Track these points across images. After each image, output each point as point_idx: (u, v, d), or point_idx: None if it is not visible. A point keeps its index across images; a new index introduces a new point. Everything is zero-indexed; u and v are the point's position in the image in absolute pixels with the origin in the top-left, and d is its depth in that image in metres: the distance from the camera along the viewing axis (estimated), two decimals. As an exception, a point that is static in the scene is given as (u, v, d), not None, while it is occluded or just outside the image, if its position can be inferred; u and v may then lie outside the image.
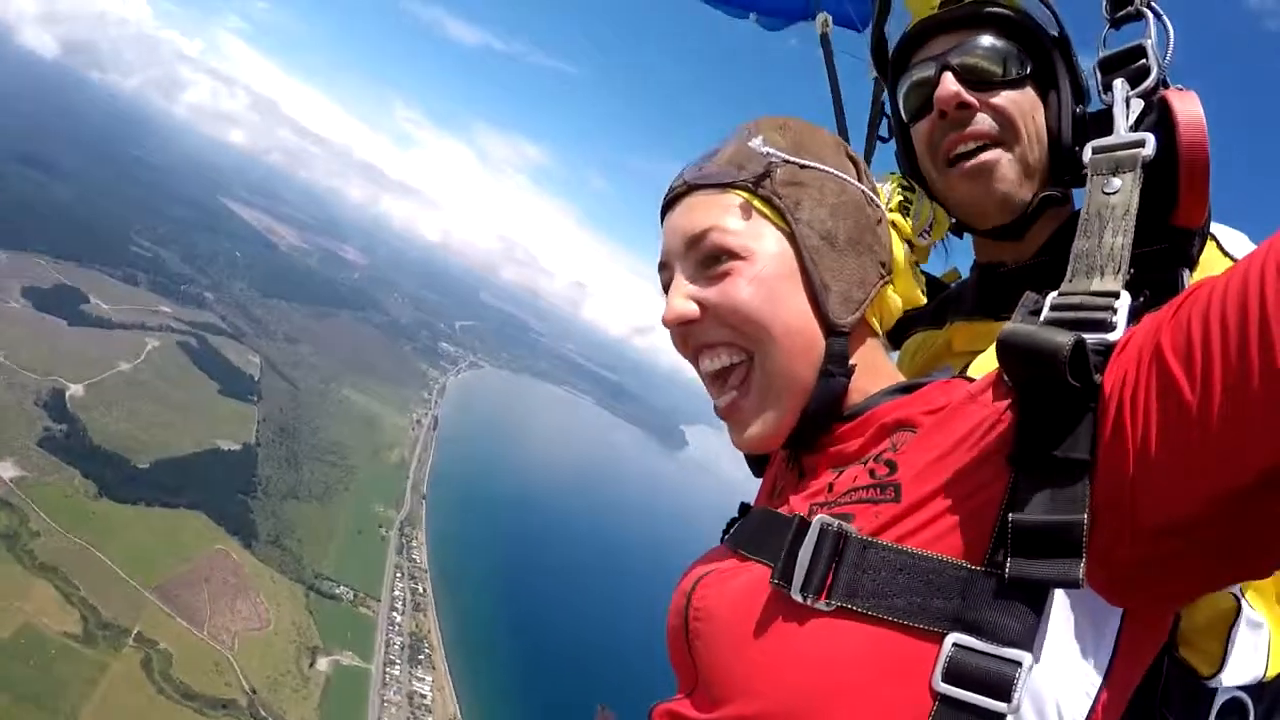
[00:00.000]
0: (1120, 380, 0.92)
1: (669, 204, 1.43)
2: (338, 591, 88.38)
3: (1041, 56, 1.69)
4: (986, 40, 1.69)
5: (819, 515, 1.08)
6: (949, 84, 1.65)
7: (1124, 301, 1.03)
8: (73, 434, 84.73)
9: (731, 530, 1.48)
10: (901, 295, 1.44)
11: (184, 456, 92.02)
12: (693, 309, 1.32)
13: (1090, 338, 0.97)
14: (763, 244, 1.31)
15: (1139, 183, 1.21)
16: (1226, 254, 1.49)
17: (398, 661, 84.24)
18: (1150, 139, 1.26)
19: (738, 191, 1.34)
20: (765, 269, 1.29)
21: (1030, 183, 1.66)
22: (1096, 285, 1.09)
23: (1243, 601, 1.34)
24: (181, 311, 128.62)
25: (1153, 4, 1.55)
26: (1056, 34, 1.73)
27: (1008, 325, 1.01)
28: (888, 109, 2.03)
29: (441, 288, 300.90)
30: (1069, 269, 1.15)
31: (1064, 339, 0.93)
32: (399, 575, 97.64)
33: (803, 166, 1.37)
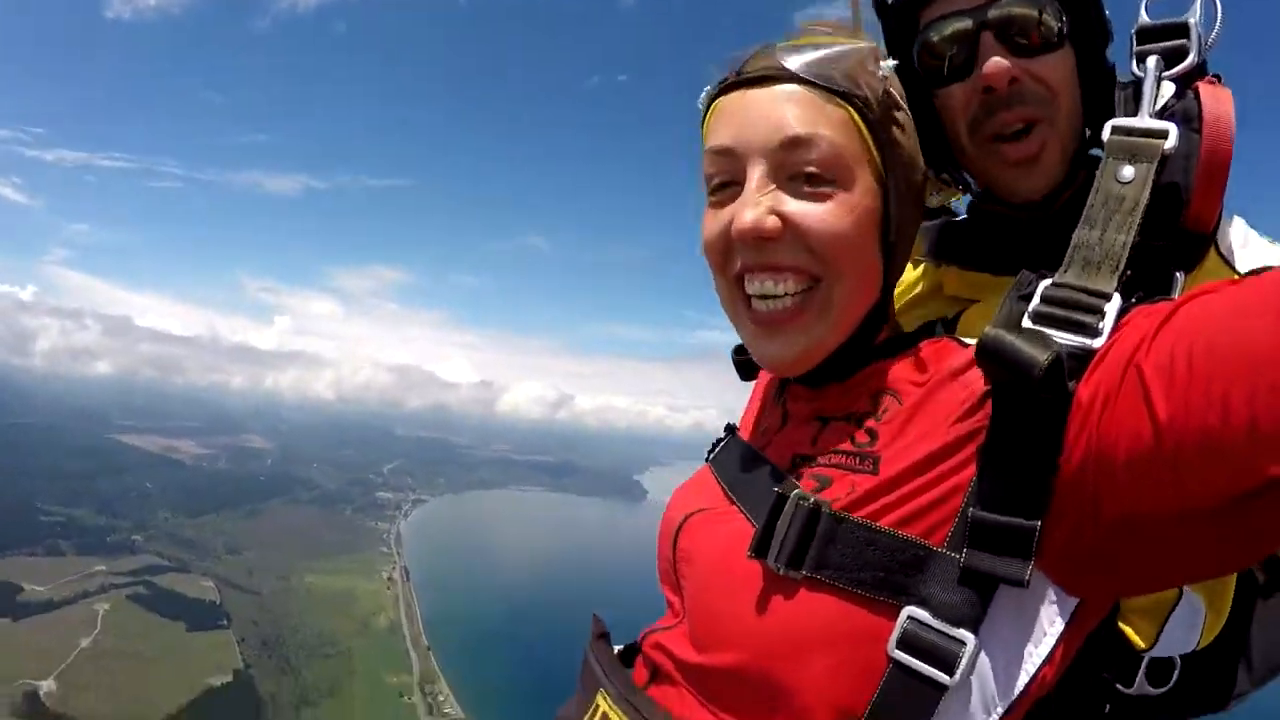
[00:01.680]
0: (1096, 392, 0.93)
1: (749, 81, 1.25)
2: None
3: (1076, 9, 1.47)
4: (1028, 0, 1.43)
5: (795, 489, 1.11)
6: (999, 58, 1.41)
7: (1114, 305, 1.02)
8: (64, 734, 78.04)
9: (716, 453, 1.51)
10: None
11: (181, 710, 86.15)
12: (775, 224, 1.19)
13: (1072, 341, 0.99)
14: (861, 173, 1.22)
15: (1152, 175, 1.16)
16: (1227, 262, 1.41)
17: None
18: (1174, 131, 1.20)
19: (849, 108, 1.22)
20: (863, 203, 1.21)
21: (1069, 155, 1.50)
22: (1090, 282, 1.06)
23: (1185, 591, 1.38)
24: (117, 564, 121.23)
25: None
26: None
27: (990, 329, 1.01)
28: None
29: (355, 441, 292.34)
30: (1067, 256, 1.12)
31: (1041, 356, 0.94)
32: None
33: (899, 105, 1.30)
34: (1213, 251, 1.40)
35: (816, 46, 1.23)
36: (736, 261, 1.25)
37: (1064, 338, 1.00)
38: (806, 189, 1.19)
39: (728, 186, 1.25)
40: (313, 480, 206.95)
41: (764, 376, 1.62)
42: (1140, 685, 1.43)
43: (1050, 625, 1.03)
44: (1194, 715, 1.58)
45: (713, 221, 1.27)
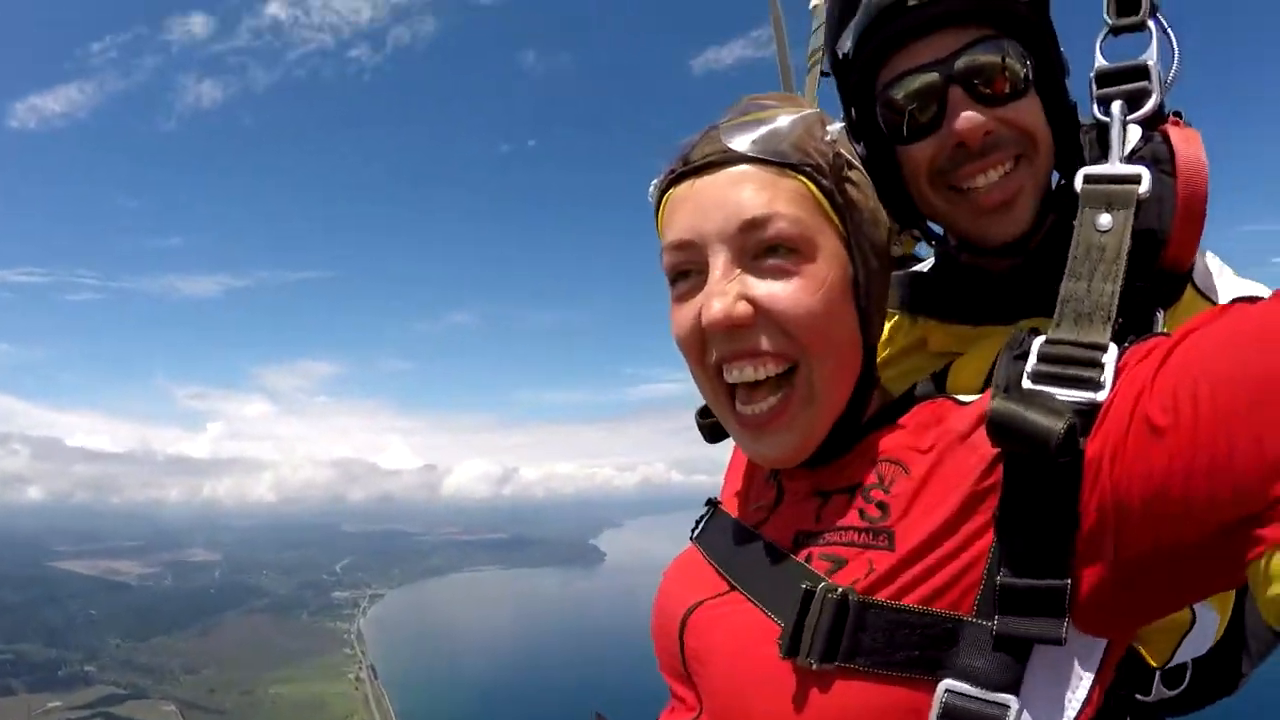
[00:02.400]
0: (1105, 445, 0.95)
1: (698, 169, 1.23)
2: None
3: (1039, 51, 1.39)
4: (994, 44, 1.35)
5: (822, 581, 1.09)
6: (971, 112, 1.33)
7: (1111, 355, 1.02)
8: None
9: (703, 531, 1.50)
10: None
11: None
12: (746, 310, 1.17)
13: (1077, 397, 0.99)
14: (824, 241, 1.20)
15: (1131, 221, 1.16)
16: (1205, 295, 1.39)
17: None
18: (1146, 176, 1.19)
19: (802, 179, 1.20)
20: (831, 274, 1.20)
21: (1040, 202, 1.42)
22: (1084, 335, 1.06)
23: (1197, 613, 1.41)
24: (72, 698, 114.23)
25: (1159, 17, 1.40)
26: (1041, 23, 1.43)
27: (997, 402, 1.01)
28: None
29: (303, 542, 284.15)
30: (1057, 311, 1.12)
31: (1057, 426, 0.94)
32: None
33: (851, 164, 1.27)
34: (1192, 290, 1.40)
35: (760, 122, 1.22)
36: (712, 352, 1.24)
37: (1068, 395, 1.00)
38: (772, 266, 1.18)
39: (690, 275, 1.24)
40: (263, 588, 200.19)
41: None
42: (1158, 692, 1.49)
43: (1085, 671, 1.04)
44: (1207, 704, 1.64)
45: (681, 314, 1.26)
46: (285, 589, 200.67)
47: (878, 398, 1.34)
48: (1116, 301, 1.09)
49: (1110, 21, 1.44)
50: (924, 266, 1.79)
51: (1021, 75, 1.38)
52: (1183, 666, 1.51)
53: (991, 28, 1.38)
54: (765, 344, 1.19)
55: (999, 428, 0.99)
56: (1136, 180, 1.19)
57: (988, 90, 1.37)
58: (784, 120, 1.22)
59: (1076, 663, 1.04)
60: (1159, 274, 1.34)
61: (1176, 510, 0.87)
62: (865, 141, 1.50)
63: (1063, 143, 1.45)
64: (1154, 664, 1.42)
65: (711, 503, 1.54)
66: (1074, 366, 1.03)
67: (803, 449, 1.26)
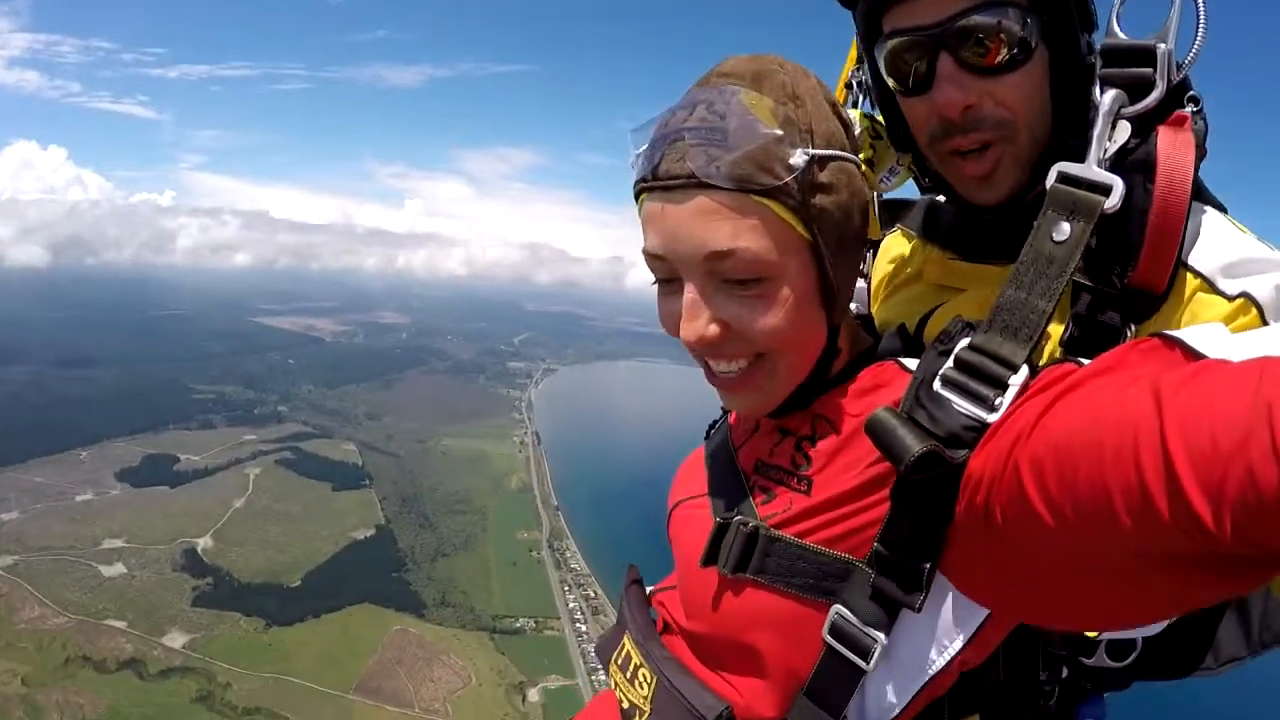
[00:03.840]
0: (984, 468, 1.01)
1: (666, 188, 1.25)
2: (518, 625, 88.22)
3: (1055, 15, 1.38)
4: (994, 8, 1.34)
5: (737, 516, 1.33)
6: (951, 87, 1.38)
7: (1019, 378, 1.06)
8: (219, 583, 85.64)
9: (711, 436, 1.71)
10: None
11: (328, 560, 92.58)
12: (716, 331, 1.28)
13: (970, 412, 1.06)
14: (789, 262, 1.25)
15: (1087, 236, 1.13)
16: (1210, 284, 1.30)
17: (599, 667, 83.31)
18: (1118, 187, 1.14)
19: (766, 202, 1.21)
20: (793, 290, 1.26)
21: (1032, 162, 1.43)
22: (1002, 349, 1.09)
23: None
24: (265, 433, 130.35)
25: None
26: None
27: (877, 411, 1.10)
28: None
29: (486, 314, 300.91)
30: (989, 315, 1.13)
31: (913, 449, 1.03)
32: (566, 589, 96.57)
33: (823, 162, 1.26)
34: (1189, 278, 1.31)
35: (727, 135, 1.20)
36: (697, 350, 1.35)
37: (964, 407, 1.07)
38: (739, 293, 1.25)
39: (669, 281, 1.33)
40: (446, 351, 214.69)
41: None
42: (1099, 658, 1.46)
43: (958, 630, 1.17)
44: (1155, 680, 1.60)
45: (664, 306, 1.36)
46: (466, 355, 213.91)
47: (844, 360, 1.42)
48: (1047, 320, 1.09)
49: None
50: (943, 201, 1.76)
51: (1018, 45, 1.35)
52: (1130, 641, 1.48)
53: None
54: (735, 350, 1.31)
55: (871, 434, 1.10)
56: (1106, 191, 1.14)
57: (979, 60, 1.36)
58: (744, 135, 1.19)
59: (950, 620, 1.16)
60: (1130, 290, 1.28)
61: (1040, 546, 0.95)
62: (876, 83, 1.56)
63: (1066, 118, 1.40)
64: (1088, 633, 1.40)
65: (725, 409, 1.66)
66: (979, 381, 1.07)
67: (765, 408, 1.40)
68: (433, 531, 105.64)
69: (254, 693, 70.34)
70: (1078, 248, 1.11)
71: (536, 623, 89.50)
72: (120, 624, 76.19)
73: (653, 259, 1.32)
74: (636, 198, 1.34)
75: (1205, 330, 0.89)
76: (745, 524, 1.30)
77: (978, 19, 1.32)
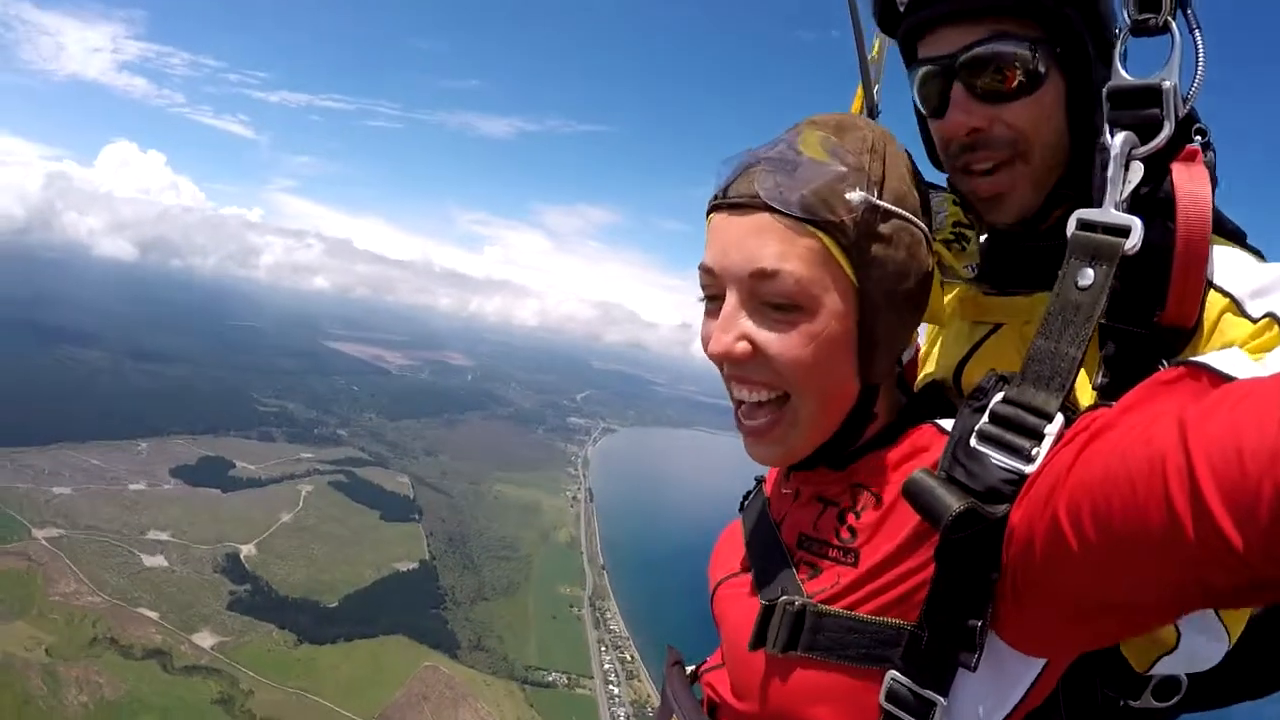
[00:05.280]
0: (1025, 518, 1.04)
1: (732, 205, 1.33)
2: (551, 678, 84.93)
3: (1071, 35, 1.46)
4: (1004, 40, 1.45)
5: (782, 596, 1.31)
6: (959, 111, 1.50)
7: (1054, 426, 1.08)
8: (257, 591, 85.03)
9: (747, 507, 1.69)
10: (925, 319, 1.49)
11: (368, 587, 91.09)
12: (745, 349, 1.30)
13: (1008, 465, 1.08)
14: (830, 299, 1.28)
15: (1110, 280, 1.14)
16: (1240, 308, 1.31)
17: (628, 732, 79.50)
18: (1137, 228, 1.15)
19: (822, 235, 1.26)
20: (828, 329, 1.28)
21: (1046, 187, 1.51)
22: (1035, 399, 1.11)
23: (1183, 638, 1.32)
24: (322, 453, 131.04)
25: (1187, 14, 1.31)
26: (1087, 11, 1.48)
27: (914, 474, 1.12)
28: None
29: (552, 367, 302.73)
30: (1022, 367, 1.16)
31: (952, 507, 1.06)
32: (603, 648, 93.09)
33: (887, 216, 1.31)
34: (1217, 299, 1.32)
35: (795, 166, 1.28)
36: (725, 369, 1.38)
37: (1001, 460, 1.09)
38: (774, 316, 1.28)
39: (716, 299, 1.36)
40: (509, 399, 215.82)
41: None
42: (1146, 700, 1.46)
43: (1015, 684, 1.19)
44: (1198, 711, 1.60)
45: (706, 326, 1.39)
46: (528, 404, 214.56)
47: (881, 423, 1.43)
48: (1077, 367, 1.11)
49: (1130, 18, 1.34)
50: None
51: (1031, 70, 1.44)
52: (1176, 681, 1.46)
53: (1015, 21, 1.44)
54: (758, 376, 1.32)
55: (909, 497, 1.12)
56: (1125, 233, 1.15)
57: (987, 87, 1.47)
58: (817, 173, 1.26)
59: (1006, 677, 1.18)
60: (1162, 327, 1.30)
61: (1076, 602, 1.02)
62: (916, 106, 1.68)
63: (1082, 147, 1.45)
64: (1135, 668, 1.39)
65: (758, 480, 1.71)
66: (1015, 433, 1.10)
67: (787, 460, 1.43)
68: (475, 574, 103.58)
69: (275, 705, 68.53)
70: (1102, 292, 1.13)
71: (569, 679, 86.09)
72: (153, 614, 75.92)
73: (704, 273, 1.37)
74: (708, 215, 1.41)
75: (1231, 354, 0.90)
76: (792, 603, 1.28)
77: (987, 50, 1.44)
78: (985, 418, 1.14)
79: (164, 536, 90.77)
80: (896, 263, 1.31)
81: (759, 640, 1.31)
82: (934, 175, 1.74)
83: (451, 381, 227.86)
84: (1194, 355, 1.02)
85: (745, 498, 1.72)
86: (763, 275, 1.26)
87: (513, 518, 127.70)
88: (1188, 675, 1.43)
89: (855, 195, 1.25)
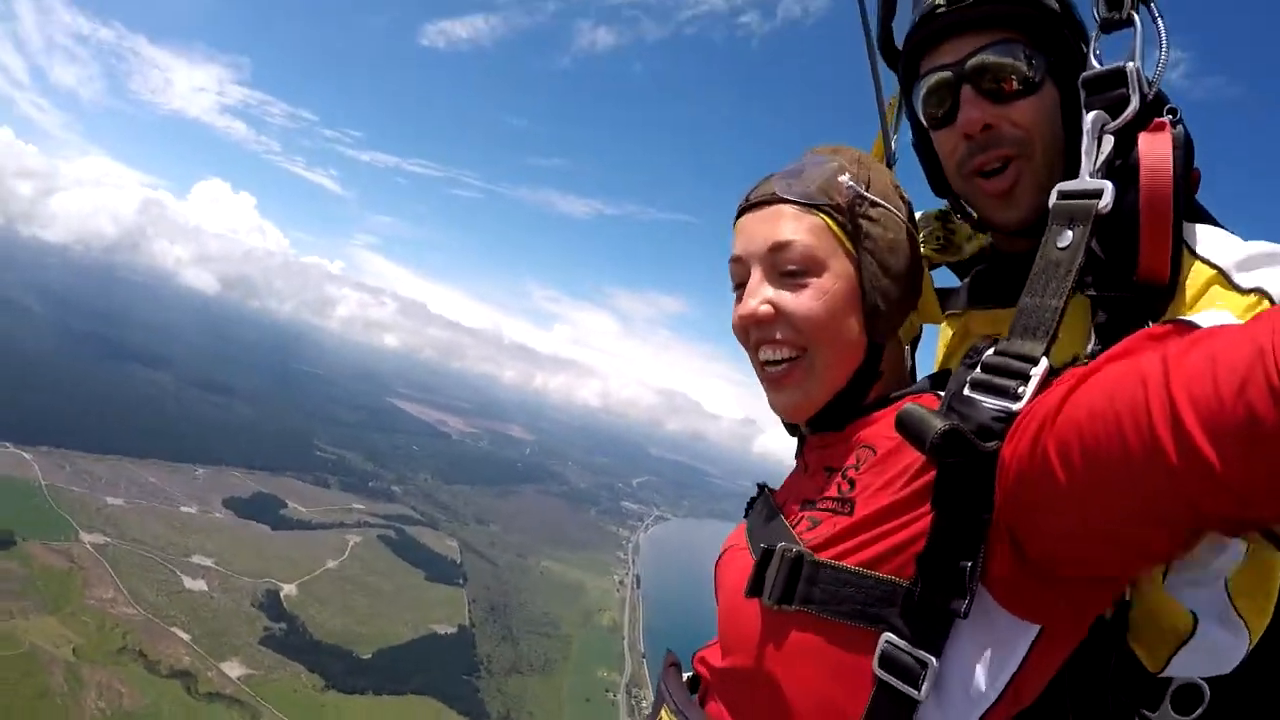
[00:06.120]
0: (1014, 454, 1.08)
1: (753, 205, 1.61)
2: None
3: (1059, 47, 1.60)
4: (1004, 47, 1.60)
5: (782, 541, 1.37)
6: (972, 108, 1.61)
7: (1040, 369, 1.15)
8: (292, 631, 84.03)
9: (752, 508, 1.77)
10: (924, 317, 1.75)
11: (404, 644, 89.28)
12: (769, 310, 1.52)
13: (995, 404, 1.15)
14: (834, 263, 1.52)
15: (1086, 238, 1.25)
16: (1228, 279, 1.32)
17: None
18: (1108, 189, 1.26)
19: (823, 215, 1.53)
20: (835, 287, 1.51)
21: (1050, 185, 1.49)
22: (1023, 348, 1.19)
23: (1200, 625, 1.28)
24: (374, 506, 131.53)
25: (1151, 4, 1.46)
26: (1068, 19, 1.63)
27: (907, 405, 1.19)
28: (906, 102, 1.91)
29: (611, 450, 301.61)
30: (1012, 323, 1.25)
31: (935, 428, 1.12)
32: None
33: (874, 204, 1.57)
34: (1204, 270, 1.35)
35: (801, 170, 1.57)
36: (752, 337, 1.58)
37: (991, 402, 1.15)
38: (790, 281, 1.52)
39: (743, 286, 1.60)
40: (564, 476, 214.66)
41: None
42: (1165, 713, 1.40)
43: (1009, 651, 1.18)
44: None
45: (734, 311, 1.61)
46: (583, 483, 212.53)
47: (879, 390, 1.59)
48: (1059, 317, 1.20)
49: (1099, 17, 1.50)
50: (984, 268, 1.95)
51: (1029, 75, 1.59)
52: (1198, 689, 1.39)
53: (1010, 32, 1.60)
54: (780, 335, 1.53)
55: (900, 427, 1.18)
56: (1097, 195, 1.26)
57: (994, 88, 1.60)
58: (817, 169, 1.56)
59: (999, 639, 1.18)
60: (1142, 287, 1.35)
61: (1071, 532, 1.04)
62: (914, 126, 1.83)
63: (1076, 150, 1.51)
64: (1150, 669, 1.35)
65: (762, 487, 1.79)
66: (1004, 377, 1.17)
67: (805, 405, 1.56)
68: (514, 646, 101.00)
69: (294, 745, 66.10)
70: (1080, 248, 1.24)
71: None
72: (185, 636, 75.41)
73: (733, 263, 1.62)
74: (734, 222, 1.67)
75: (1220, 315, 0.94)
76: (790, 549, 1.33)
77: (989, 56, 1.59)
78: (980, 367, 1.22)
79: (208, 562, 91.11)
80: (886, 240, 1.56)
81: (755, 588, 1.35)
82: (936, 202, 2.00)
83: (510, 453, 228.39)
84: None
85: (751, 502, 1.80)
86: (778, 247, 1.52)
87: (557, 595, 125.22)
88: (1209, 684, 1.37)
89: (845, 178, 1.53)
